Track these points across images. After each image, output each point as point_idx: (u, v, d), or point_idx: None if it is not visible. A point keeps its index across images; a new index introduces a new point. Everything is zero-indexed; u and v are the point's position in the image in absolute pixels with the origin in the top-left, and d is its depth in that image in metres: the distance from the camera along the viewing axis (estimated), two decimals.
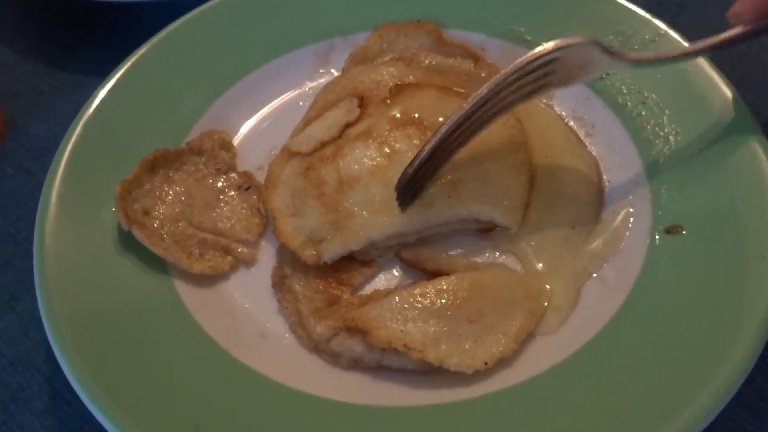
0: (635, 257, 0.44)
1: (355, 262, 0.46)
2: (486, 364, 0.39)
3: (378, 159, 0.47)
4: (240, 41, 0.57)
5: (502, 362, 0.41)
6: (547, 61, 0.42)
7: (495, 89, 0.42)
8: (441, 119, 0.48)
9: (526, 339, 0.41)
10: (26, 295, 0.48)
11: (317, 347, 0.42)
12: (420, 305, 0.41)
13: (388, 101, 0.50)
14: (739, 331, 0.37)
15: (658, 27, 0.52)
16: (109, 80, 0.52)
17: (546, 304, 0.43)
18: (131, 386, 0.38)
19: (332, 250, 0.45)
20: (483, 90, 0.42)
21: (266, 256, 0.48)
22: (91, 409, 0.37)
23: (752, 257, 0.40)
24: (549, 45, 0.41)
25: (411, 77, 0.52)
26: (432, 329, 0.40)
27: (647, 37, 0.52)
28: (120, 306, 0.42)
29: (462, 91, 0.51)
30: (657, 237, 0.44)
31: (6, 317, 0.47)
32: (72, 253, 0.43)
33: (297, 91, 0.57)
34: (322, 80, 0.57)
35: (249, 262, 0.47)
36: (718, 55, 0.60)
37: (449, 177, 0.46)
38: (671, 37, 0.52)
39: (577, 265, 0.45)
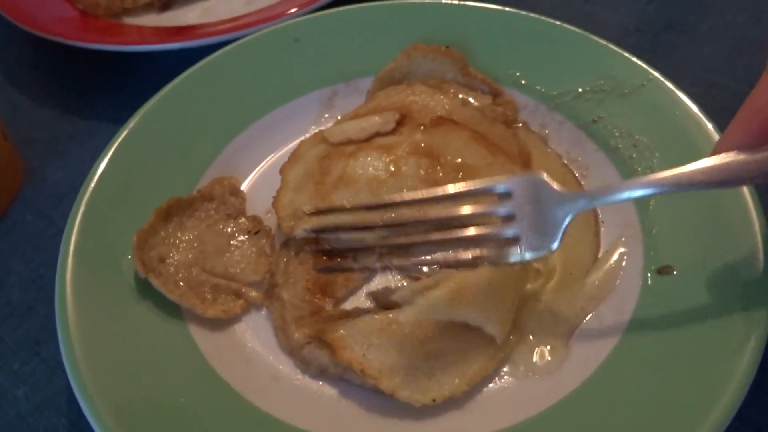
0: (629, 297, 0.46)
1: (339, 276, 0.49)
2: (434, 401, 0.42)
3: (380, 172, 0.51)
4: (247, 89, 0.59)
5: (496, 403, 0.43)
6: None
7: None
8: (458, 162, 0.51)
9: (481, 383, 0.43)
10: (50, 340, 0.50)
11: (292, 352, 0.46)
12: (385, 334, 0.44)
13: (422, 128, 0.54)
14: (728, 371, 0.39)
15: (647, 72, 0.55)
16: (123, 131, 0.54)
17: (509, 350, 0.45)
18: (151, 430, 0.40)
19: (303, 229, 0.49)
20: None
21: None
22: None
23: (741, 297, 0.42)
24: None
25: (457, 116, 0.55)
26: (390, 360, 0.43)
27: (636, 81, 0.55)
28: (138, 352, 0.44)
29: (489, 142, 0.53)
30: (649, 277, 0.46)
31: (31, 362, 0.49)
32: (90, 301, 0.45)
33: (303, 136, 0.59)
34: (330, 122, 0.59)
35: (258, 305, 0.49)
36: (708, 94, 0.63)
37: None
38: (660, 82, 0.54)
39: (575, 306, 0.47)
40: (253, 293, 0.49)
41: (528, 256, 0.40)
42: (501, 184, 0.41)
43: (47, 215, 0.58)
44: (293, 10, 0.65)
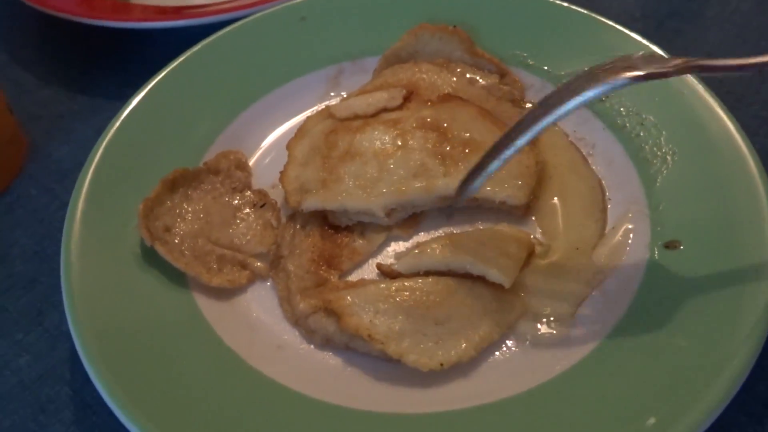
0: (635, 271, 0.46)
1: (345, 249, 0.50)
2: (442, 365, 0.41)
3: (387, 146, 0.51)
4: (254, 66, 0.59)
5: (503, 372, 0.43)
6: None
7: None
8: (466, 137, 0.51)
9: (489, 347, 0.43)
10: (53, 310, 0.50)
11: (297, 322, 0.46)
12: (392, 300, 0.44)
13: (429, 103, 0.54)
14: (733, 344, 0.39)
15: (654, 52, 0.54)
16: (130, 103, 0.54)
17: (515, 317, 0.45)
18: (156, 396, 0.40)
19: (310, 202, 0.50)
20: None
21: None
22: (119, 416, 0.38)
23: (748, 271, 0.42)
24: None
25: (463, 94, 0.55)
26: (398, 325, 0.43)
27: None
28: (144, 319, 0.44)
29: (497, 118, 0.53)
30: (656, 252, 0.46)
31: (34, 332, 0.48)
32: (96, 270, 0.45)
33: (309, 113, 0.59)
34: (336, 100, 0.59)
35: (264, 276, 0.49)
36: (713, 80, 0.63)
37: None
38: None
39: (581, 279, 0.47)
40: (259, 264, 0.49)
41: None
42: None
43: (51, 189, 0.58)
44: None
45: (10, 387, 0.46)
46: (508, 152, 0.39)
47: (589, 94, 0.37)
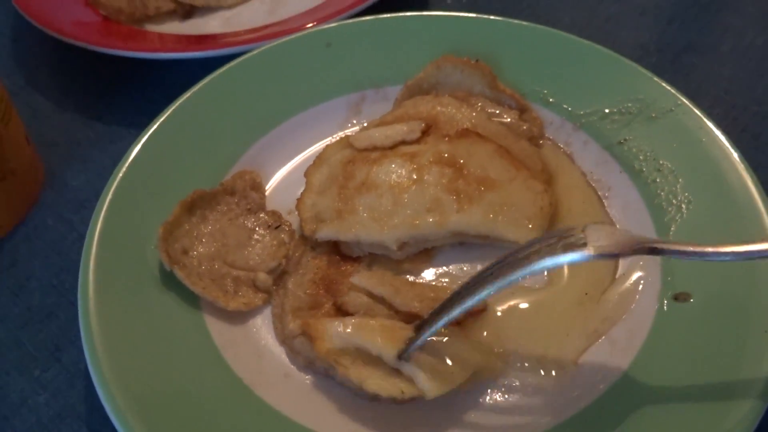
0: (644, 321, 0.46)
1: (347, 278, 0.50)
2: (402, 393, 0.42)
3: (403, 179, 0.52)
4: (277, 91, 0.60)
5: (507, 418, 0.43)
6: None
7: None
8: (481, 175, 0.52)
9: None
10: (71, 346, 0.50)
11: (284, 341, 0.47)
12: (364, 329, 0.44)
13: (447, 138, 0.54)
14: (738, 402, 0.39)
15: (676, 97, 0.55)
16: (151, 127, 0.55)
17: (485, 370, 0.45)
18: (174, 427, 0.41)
19: (325, 232, 0.51)
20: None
21: None
22: None
23: (756, 331, 0.42)
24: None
25: (482, 130, 0.55)
26: (361, 357, 0.43)
27: (664, 106, 0.55)
28: (161, 354, 0.44)
29: (514, 157, 0.54)
30: (665, 302, 0.46)
31: (51, 369, 0.49)
32: (113, 304, 0.45)
33: (329, 140, 0.60)
34: (357, 128, 0.60)
35: (269, 291, 0.50)
36: (729, 115, 0.63)
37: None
38: (688, 108, 0.54)
39: (588, 327, 0.47)
40: (269, 280, 0.50)
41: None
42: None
43: (68, 220, 0.58)
44: (311, 24, 0.65)
45: (28, 426, 0.46)
46: (452, 314, 0.40)
47: (540, 264, 0.37)
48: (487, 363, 0.45)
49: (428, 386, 0.41)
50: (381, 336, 0.43)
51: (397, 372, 0.43)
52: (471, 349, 0.45)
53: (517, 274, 0.37)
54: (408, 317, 0.46)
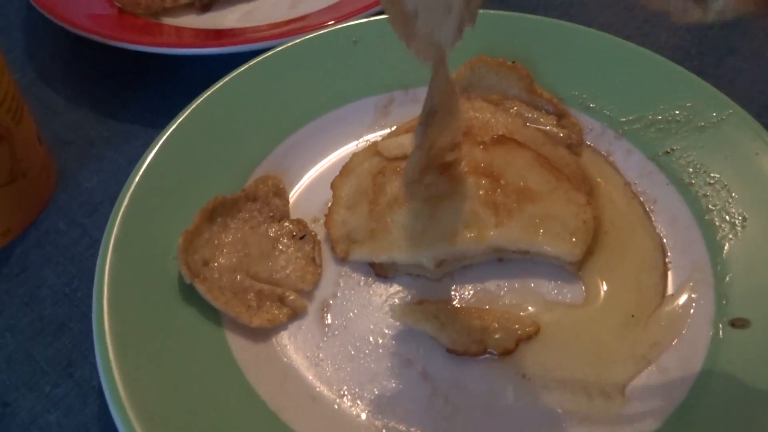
0: (697, 349, 0.43)
1: None
2: None
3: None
4: (300, 91, 0.57)
5: None
6: None
7: None
8: (520, 185, 0.49)
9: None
10: (83, 361, 0.47)
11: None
12: None
13: (482, 146, 0.51)
14: None
15: (727, 105, 0.51)
16: (169, 128, 0.52)
17: None
18: None
19: (358, 254, 0.49)
20: None
21: (316, 308, 0.47)
22: None
23: None
24: None
25: (518, 136, 0.52)
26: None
27: (714, 114, 0.51)
28: (179, 373, 0.41)
29: (553, 166, 0.50)
30: (720, 328, 0.43)
31: (63, 385, 0.46)
32: (129, 320, 0.42)
33: (354, 144, 0.57)
34: (385, 131, 0.57)
35: (300, 312, 0.47)
36: None
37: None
38: (741, 117, 0.51)
39: (635, 352, 0.44)
40: (298, 300, 0.47)
41: None
42: None
43: (82, 224, 0.55)
44: (336, 20, 0.62)
45: None
46: None
47: None
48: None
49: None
50: None
51: None
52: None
53: None
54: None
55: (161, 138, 0.51)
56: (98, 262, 0.44)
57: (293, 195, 0.54)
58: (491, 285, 0.48)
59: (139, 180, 0.49)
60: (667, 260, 0.48)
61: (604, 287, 0.47)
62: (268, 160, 0.54)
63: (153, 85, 0.66)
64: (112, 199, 0.48)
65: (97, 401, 0.45)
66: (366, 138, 0.57)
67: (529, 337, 0.44)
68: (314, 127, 0.56)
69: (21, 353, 0.48)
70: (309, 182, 0.55)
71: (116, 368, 0.40)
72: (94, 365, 0.45)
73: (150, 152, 0.50)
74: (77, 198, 0.57)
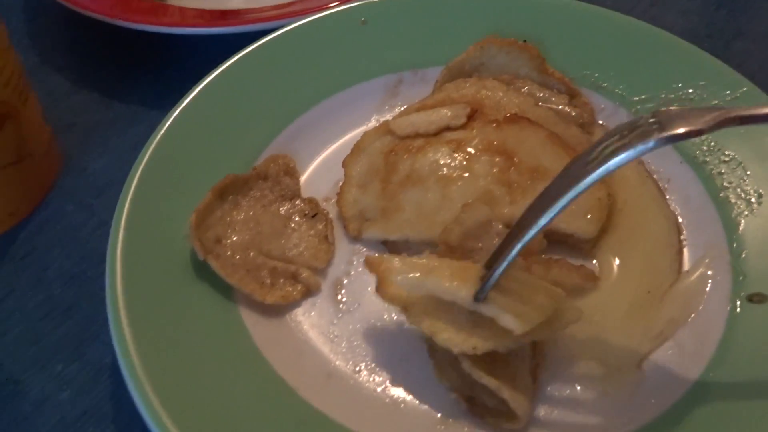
0: (714, 325, 0.43)
1: None
2: (474, 348, 0.37)
3: (451, 171, 0.48)
4: (308, 72, 0.56)
5: (565, 428, 0.40)
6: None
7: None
8: (534, 164, 0.48)
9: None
10: (94, 340, 0.46)
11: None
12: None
13: (494, 124, 0.50)
14: None
15: (741, 82, 0.51)
16: (177, 108, 0.51)
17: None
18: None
19: (371, 233, 0.48)
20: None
21: (330, 285, 0.47)
22: None
23: None
24: None
25: (530, 115, 0.52)
26: (433, 304, 0.39)
27: (728, 92, 0.51)
28: (194, 349, 0.41)
29: (566, 144, 0.50)
30: (738, 304, 0.43)
31: (74, 365, 0.46)
32: (143, 295, 0.42)
33: (364, 125, 0.56)
34: (394, 111, 0.57)
35: (313, 289, 0.46)
36: None
37: None
38: (755, 94, 0.50)
39: (652, 328, 0.44)
40: (312, 277, 0.46)
41: None
42: None
43: (89, 205, 0.54)
44: (338, 1, 0.62)
45: (52, 425, 0.43)
46: (524, 238, 0.36)
47: (615, 161, 0.33)
48: (562, 307, 0.41)
49: (514, 322, 0.36)
50: (453, 278, 0.38)
51: (468, 327, 0.38)
52: (545, 289, 0.41)
53: (594, 177, 0.33)
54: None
55: (171, 116, 0.51)
56: (110, 241, 0.44)
57: (304, 175, 0.53)
58: None
59: (149, 158, 0.48)
60: (682, 238, 0.48)
61: (619, 264, 0.47)
62: (278, 141, 0.53)
63: (157, 68, 0.65)
64: (119, 181, 0.47)
65: (110, 379, 0.45)
66: (375, 118, 0.57)
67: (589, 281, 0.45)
68: (323, 108, 0.56)
69: (30, 334, 0.47)
70: (319, 162, 0.54)
71: (133, 347, 0.39)
72: (105, 344, 0.45)
73: (160, 130, 0.50)
74: (83, 180, 0.56)
